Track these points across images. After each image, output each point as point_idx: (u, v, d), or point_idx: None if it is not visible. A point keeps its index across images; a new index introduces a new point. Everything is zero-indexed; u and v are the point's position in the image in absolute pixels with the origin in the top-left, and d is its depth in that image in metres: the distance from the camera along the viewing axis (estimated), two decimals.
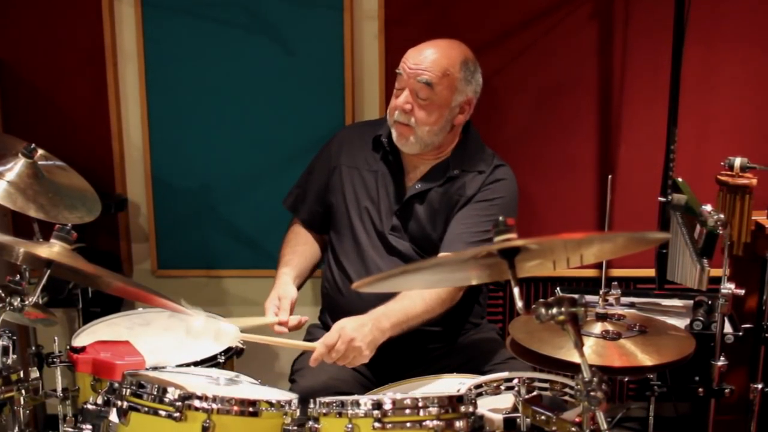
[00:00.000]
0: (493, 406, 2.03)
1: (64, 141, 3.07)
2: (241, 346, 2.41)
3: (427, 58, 2.46)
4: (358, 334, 2.24)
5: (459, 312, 2.57)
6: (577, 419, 1.77)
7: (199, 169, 3.24)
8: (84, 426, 2.10)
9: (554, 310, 1.68)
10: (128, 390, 1.95)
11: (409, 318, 2.37)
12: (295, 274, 2.58)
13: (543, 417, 1.84)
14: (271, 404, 1.95)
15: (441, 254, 2.48)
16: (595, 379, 1.65)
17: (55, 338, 2.38)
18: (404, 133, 2.49)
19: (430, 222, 2.55)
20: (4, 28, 3.15)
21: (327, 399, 1.93)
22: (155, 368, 2.23)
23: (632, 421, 3.28)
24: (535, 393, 2.04)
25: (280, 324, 2.40)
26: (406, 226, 2.56)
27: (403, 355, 2.50)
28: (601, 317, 2.16)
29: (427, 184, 2.55)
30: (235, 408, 1.92)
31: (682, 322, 2.56)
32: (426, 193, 2.55)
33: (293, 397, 2.03)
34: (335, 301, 2.61)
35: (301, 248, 2.68)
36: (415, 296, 2.39)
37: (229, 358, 2.46)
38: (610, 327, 2.12)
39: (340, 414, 1.91)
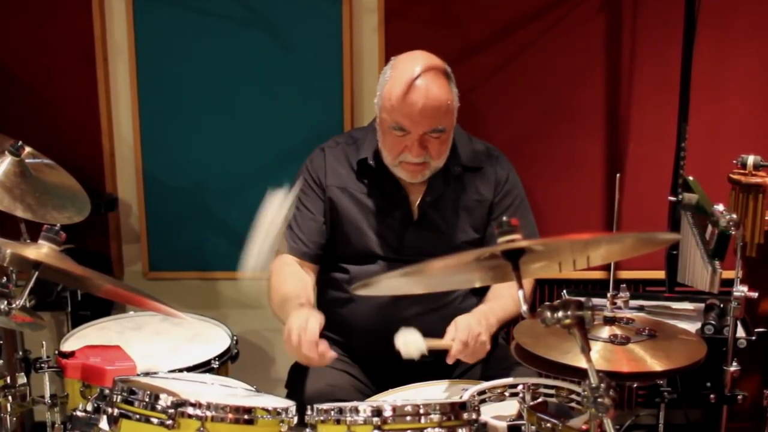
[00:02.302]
0: (497, 413, 2.02)
1: (52, 138, 3.05)
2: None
3: (428, 101, 2.32)
4: (482, 328, 2.25)
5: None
6: (584, 427, 1.77)
7: (192, 167, 3.22)
8: None
9: (560, 314, 1.65)
10: (119, 396, 1.93)
11: (506, 316, 2.40)
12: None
13: (548, 424, 1.83)
14: (267, 411, 1.92)
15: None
16: (602, 385, 1.63)
17: (43, 343, 2.37)
18: (419, 171, 2.43)
19: (454, 225, 2.51)
20: None
21: (325, 406, 1.91)
22: (147, 374, 2.23)
23: (641, 428, 3.27)
24: (540, 399, 2.05)
25: None
26: (424, 239, 2.51)
27: (403, 360, 2.44)
28: (609, 321, 2.14)
29: (436, 193, 2.51)
30: (230, 415, 1.89)
31: (693, 326, 2.57)
32: (437, 201, 2.51)
33: (290, 404, 2.00)
34: (343, 310, 2.54)
35: (307, 282, 2.53)
36: (507, 296, 2.40)
37: (223, 364, 2.47)
38: (618, 331, 2.09)
39: (338, 421, 1.88)
